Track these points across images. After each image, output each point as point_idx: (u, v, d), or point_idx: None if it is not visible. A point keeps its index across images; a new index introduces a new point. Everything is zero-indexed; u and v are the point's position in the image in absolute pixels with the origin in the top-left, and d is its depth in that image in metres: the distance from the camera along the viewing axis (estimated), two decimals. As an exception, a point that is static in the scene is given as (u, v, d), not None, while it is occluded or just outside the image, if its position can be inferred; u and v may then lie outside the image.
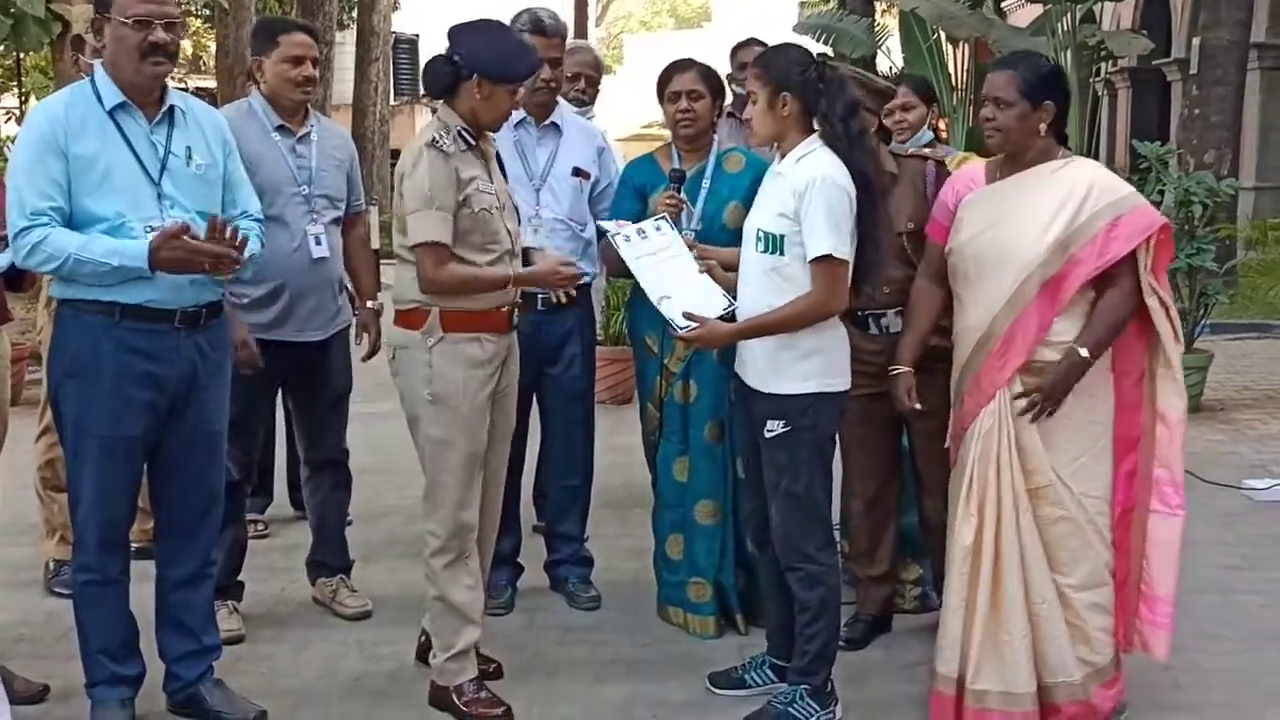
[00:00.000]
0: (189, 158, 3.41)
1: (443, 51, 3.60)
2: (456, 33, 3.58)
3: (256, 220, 3.60)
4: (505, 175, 3.89)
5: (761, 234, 3.48)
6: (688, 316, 3.50)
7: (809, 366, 3.47)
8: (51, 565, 4.65)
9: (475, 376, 3.60)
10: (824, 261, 3.38)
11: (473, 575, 3.70)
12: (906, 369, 3.70)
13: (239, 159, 3.62)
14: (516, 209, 3.82)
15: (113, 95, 3.32)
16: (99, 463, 3.37)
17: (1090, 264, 3.36)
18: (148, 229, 3.28)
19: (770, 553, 3.67)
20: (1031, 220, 3.41)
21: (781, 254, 3.44)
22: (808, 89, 3.43)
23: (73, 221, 3.26)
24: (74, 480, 3.44)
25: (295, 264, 4.11)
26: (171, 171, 3.37)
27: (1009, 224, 3.43)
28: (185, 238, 3.22)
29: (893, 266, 3.84)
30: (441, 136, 3.54)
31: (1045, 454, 3.41)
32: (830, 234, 3.36)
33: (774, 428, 3.49)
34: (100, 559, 3.44)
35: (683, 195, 4.10)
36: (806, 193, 3.38)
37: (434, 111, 3.75)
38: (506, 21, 4.00)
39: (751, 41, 5.46)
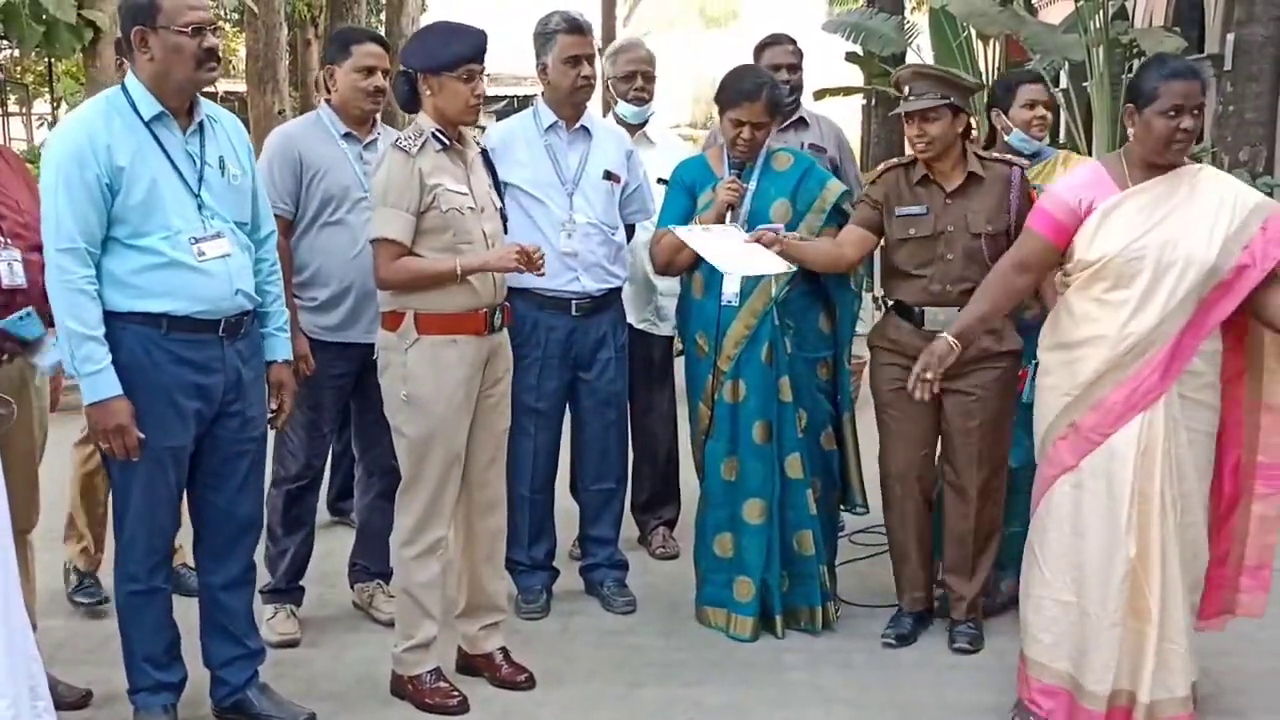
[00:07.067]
0: (222, 168, 3.41)
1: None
2: (405, 48, 3.72)
3: (268, 254, 3.61)
4: (497, 180, 3.94)
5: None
6: None
7: None
8: (73, 575, 4.60)
9: (451, 378, 3.64)
10: None
11: (436, 572, 3.75)
12: (955, 341, 3.57)
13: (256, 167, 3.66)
14: (502, 213, 3.88)
15: (151, 106, 3.29)
16: (148, 473, 3.37)
17: (1257, 268, 3.29)
18: (192, 240, 3.30)
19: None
20: (1198, 223, 3.32)
21: None
22: None
23: (120, 237, 3.25)
24: (121, 491, 3.43)
25: (358, 267, 4.08)
26: (208, 182, 3.37)
27: (1175, 227, 3.33)
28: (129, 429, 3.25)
29: (966, 267, 3.90)
30: (408, 138, 3.64)
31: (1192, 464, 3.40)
32: None
33: None
34: (147, 568, 3.45)
35: (744, 184, 4.20)
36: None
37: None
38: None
39: (782, 38, 5.18)
